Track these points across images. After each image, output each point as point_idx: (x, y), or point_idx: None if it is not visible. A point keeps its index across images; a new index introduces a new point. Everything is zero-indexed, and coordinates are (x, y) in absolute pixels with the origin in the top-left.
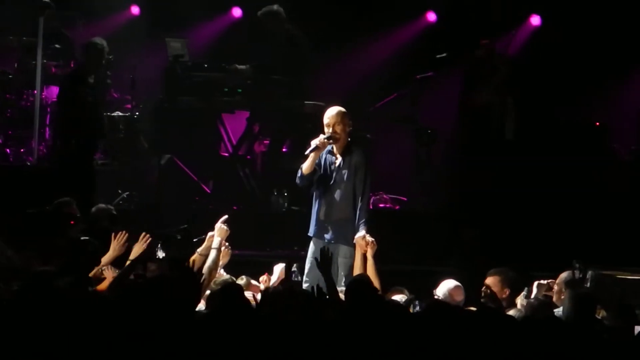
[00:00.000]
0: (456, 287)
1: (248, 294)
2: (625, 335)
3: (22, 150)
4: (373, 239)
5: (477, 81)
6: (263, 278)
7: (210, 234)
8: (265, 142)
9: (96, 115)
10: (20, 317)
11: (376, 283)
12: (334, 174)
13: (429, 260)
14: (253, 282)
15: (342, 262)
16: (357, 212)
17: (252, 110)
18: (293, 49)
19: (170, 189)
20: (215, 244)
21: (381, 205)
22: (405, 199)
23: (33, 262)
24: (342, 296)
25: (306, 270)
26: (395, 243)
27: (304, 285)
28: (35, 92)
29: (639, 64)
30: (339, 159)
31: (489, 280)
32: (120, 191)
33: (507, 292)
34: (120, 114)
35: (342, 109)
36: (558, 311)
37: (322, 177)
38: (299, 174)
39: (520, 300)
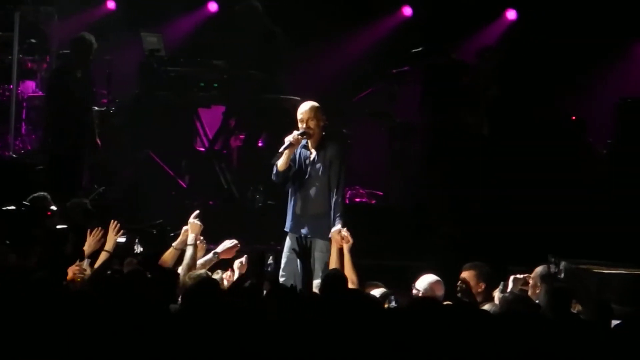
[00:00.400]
0: (437, 281)
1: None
2: (601, 330)
3: None
4: (348, 233)
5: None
6: (227, 274)
7: (185, 228)
8: (241, 136)
9: (85, 110)
10: None
11: (353, 277)
12: (309, 169)
13: (405, 254)
14: (228, 274)
15: (319, 256)
16: (332, 207)
17: (228, 105)
18: (269, 44)
19: (146, 183)
20: (190, 240)
21: (357, 199)
22: (381, 193)
23: (8, 257)
24: (316, 290)
25: (282, 265)
26: (372, 237)
27: (281, 280)
28: (12, 87)
29: (615, 57)
30: (314, 154)
31: (465, 275)
32: (96, 186)
33: (483, 287)
34: (97, 108)
35: (315, 104)
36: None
37: (297, 172)
38: (274, 171)
39: (496, 294)
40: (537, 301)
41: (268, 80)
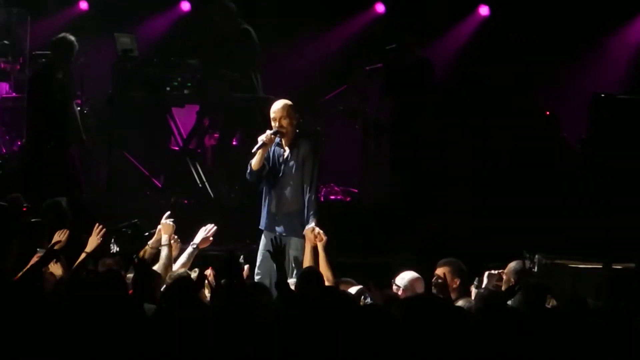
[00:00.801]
0: (417, 278)
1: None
2: (575, 324)
3: None
4: (321, 231)
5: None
6: (208, 272)
7: (159, 227)
8: (215, 135)
9: (67, 112)
10: None
11: (328, 275)
12: (283, 167)
13: (380, 252)
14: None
15: (293, 254)
16: (306, 204)
17: (202, 104)
18: (242, 42)
19: (120, 183)
20: (164, 240)
21: (332, 197)
22: (356, 190)
23: None
24: (293, 288)
25: (258, 263)
26: (346, 235)
27: (256, 278)
28: None
29: (587, 52)
30: (287, 152)
31: (439, 271)
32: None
33: (458, 282)
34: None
35: (288, 102)
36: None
37: (271, 170)
38: (248, 170)
39: (473, 290)
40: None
41: (241, 79)
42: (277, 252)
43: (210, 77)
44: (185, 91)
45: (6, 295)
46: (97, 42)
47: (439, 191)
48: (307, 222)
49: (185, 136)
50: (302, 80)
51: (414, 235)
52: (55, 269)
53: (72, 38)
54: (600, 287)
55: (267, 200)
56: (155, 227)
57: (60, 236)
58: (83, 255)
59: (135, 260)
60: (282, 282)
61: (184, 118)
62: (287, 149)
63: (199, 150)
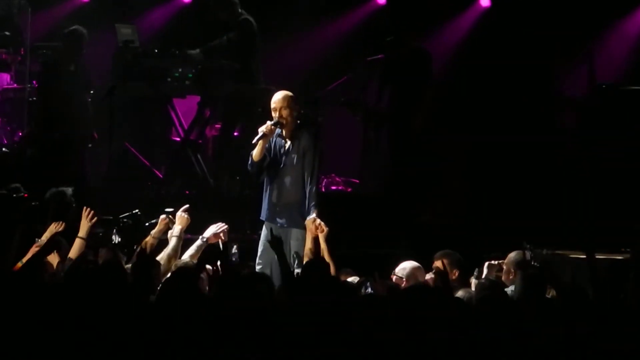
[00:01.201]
0: (418, 267)
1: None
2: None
3: None
4: (322, 222)
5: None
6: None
7: (162, 217)
8: (216, 126)
9: (78, 104)
10: None
11: (330, 266)
12: (284, 158)
13: (380, 242)
14: (207, 266)
15: (295, 245)
16: (307, 195)
17: (203, 95)
18: (242, 33)
19: (122, 174)
20: (176, 232)
21: (333, 187)
22: (357, 180)
23: None
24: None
25: (259, 253)
26: (347, 225)
27: (257, 268)
28: None
29: (589, 43)
30: (288, 143)
31: (438, 263)
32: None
33: (457, 273)
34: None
35: (289, 93)
36: (509, 290)
37: (272, 161)
38: (249, 161)
39: (473, 281)
40: (511, 287)
41: (242, 70)
42: (277, 244)
43: (211, 68)
44: (186, 82)
45: (7, 286)
46: (98, 33)
47: (437, 183)
48: (308, 213)
49: (186, 127)
50: (302, 71)
51: (412, 227)
52: (52, 258)
53: (84, 30)
54: (601, 278)
55: (268, 191)
56: (156, 218)
57: (56, 228)
58: (78, 241)
59: (137, 250)
60: (288, 274)
61: (185, 109)
62: (288, 140)
63: (200, 141)
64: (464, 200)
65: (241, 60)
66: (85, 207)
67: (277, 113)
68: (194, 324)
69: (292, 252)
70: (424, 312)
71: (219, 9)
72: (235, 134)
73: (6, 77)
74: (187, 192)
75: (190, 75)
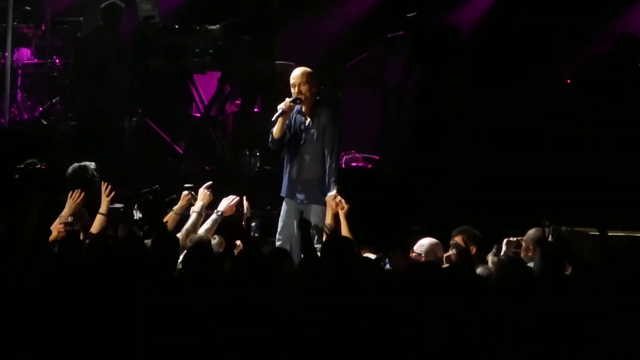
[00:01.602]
0: (437, 243)
1: None
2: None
3: None
4: (342, 199)
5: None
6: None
7: (184, 193)
8: (236, 102)
9: (117, 77)
10: None
11: (351, 242)
12: (304, 135)
13: (400, 219)
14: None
15: (315, 221)
16: (327, 172)
17: (223, 70)
18: (263, 9)
19: (142, 150)
20: (197, 207)
21: (353, 164)
22: (377, 157)
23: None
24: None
25: (279, 229)
26: (367, 202)
27: (277, 244)
28: (7, 54)
29: (607, 22)
30: (308, 119)
31: (456, 239)
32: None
33: (474, 250)
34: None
35: (308, 69)
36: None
37: (292, 138)
38: (270, 138)
39: (490, 258)
40: (530, 264)
41: (262, 46)
42: (304, 224)
43: (231, 44)
44: (207, 58)
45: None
46: None
47: (455, 159)
48: (328, 190)
49: (206, 103)
50: (322, 47)
51: (431, 203)
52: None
53: (121, 4)
54: (621, 255)
55: (288, 168)
56: (177, 193)
57: (74, 201)
58: (99, 217)
59: (157, 225)
60: (309, 247)
61: (205, 85)
62: (308, 117)
63: (220, 117)
64: (482, 177)
65: (261, 36)
66: (103, 182)
67: (296, 89)
68: (212, 300)
69: (312, 229)
70: (444, 288)
71: None
72: (255, 109)
73: (27, 52)
74: (206, 167)
75: (211, 51)
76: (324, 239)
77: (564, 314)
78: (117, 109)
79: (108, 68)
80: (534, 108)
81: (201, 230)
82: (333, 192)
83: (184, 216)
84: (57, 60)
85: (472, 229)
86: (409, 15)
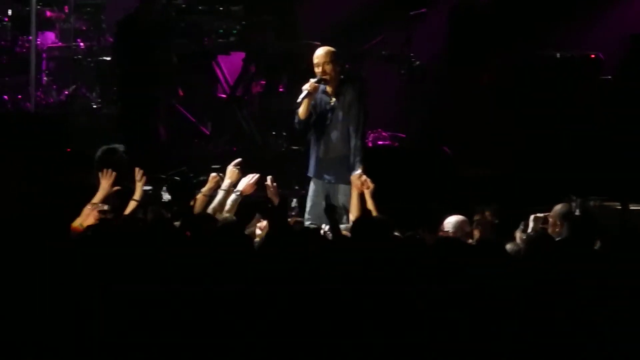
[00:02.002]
0: (464, 220)
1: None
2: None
3: (19, 96)
4: (368, 179)
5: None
6: (262, 224)
7: (213, 174)
8: (261, 82)
9: (158, 60)
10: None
11: (381, 222)
12: (329, 114)
13: (426, 196)
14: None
15: (343, 200)
16: (352, 150)
17: (248, 51)
18: None
19: (168, 131)
20: (224, 185)
21: (380, 142)
22: (404, 135)
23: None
24: (346, 234)
25: (307, 209)
26: (394, 179)
27: (306, 223)
28: (30, 38)
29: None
30: (333, 99)
31: (481, 216)
32: (119, 135)
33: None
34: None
35: (331, 49)
36: None
37: (318, 118)
38: (296, 120)
39: (518, 234)
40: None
41: (286, 26)
42: (331, 209)
43: (255, 24)
44: (231, 38)
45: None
46: None
47: (482, 137)
48: (354, 169)
49: (231, 83)
50: (345, 26)
51: (457, 181)
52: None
53: None
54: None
55: (315, 148)
56: (204, 175)
57: (108, 182)
58: (132, 203)
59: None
60: (337, 230)
61: (230, 65)
62: (333, 96)
63: (246, 98)
64: (508, 152)
65: (284, 16)
66: (137, 168)
67: (320, 68)
68: (242, 280)
69: (340, 208)
70: (472, 264)
71: None
72: (281, 89)
73: (51, 35)
74: (234, 148)
75: (235, 31)
76: (350, 218)
77: (592, 289)
78: (158, 90)
79: (150, 48)
80: (558, 83)
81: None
82: (358, 171)
83: (212, 198)
84: (82, 43)
85: (496, 205)
86: None
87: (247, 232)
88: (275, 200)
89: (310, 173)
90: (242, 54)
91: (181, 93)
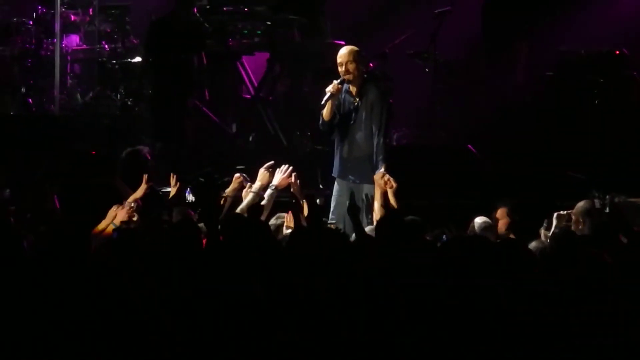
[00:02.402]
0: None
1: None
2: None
3: (43, 99)
4: (391, 178)
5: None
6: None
7: (236, 175)
8: (286, 82)
9: (189, 60)
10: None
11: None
12: (353, 114)
13: (448, 194)
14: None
15: (366, 200)
16: (375, 149)
17: (272, 51)
18: None
19: (193, 132)
20: (254, 188)
21: (405, 141)
22: (428, 133)
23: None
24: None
25: (332, 209)
26: (418, 178)
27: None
28: (55, 40)
29: None
30: (357, 99)
31: (499, 213)
32: (143, 137)
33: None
34: (140, 59)
35: (354, 48)
36: None
37: (342, 118)
38: (320, 121)
39: (542, 232)
40: None
41: (310, 25)
42: (354, 209)
43: (279, 24)
44: (255, 39)
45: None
46: None
47: (506, 133)
48: (377, 167)
49: (256, 84)
50: (369, 25)
51: (481, 178)
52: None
53: None
54: None
55: (339, 148)
56: (228, 175)
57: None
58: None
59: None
60: (360, 231)
61: (254, 66)
62: (356, 96)
63: (271, 98)
64: (532, 150)
65: (309, 15)
66: (172, 174)
67: (343, 68)
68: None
69: (364, 208)
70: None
71: None
72: (305, 89)
73: (75, 38)
74: (259, 149)
75: (259, 32)
76: (373, 217)
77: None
78: (186, 91)
79: (179, 50)
80: (582, 81)
81: None
82: (381, 170)
83: (237, 199)
84: (106, 46)
85: (516, 202)
86: None
87: (271, 225)
88: (300, 197)
89: (335, 173)
90: (266, 55)
91: (207, 96)
